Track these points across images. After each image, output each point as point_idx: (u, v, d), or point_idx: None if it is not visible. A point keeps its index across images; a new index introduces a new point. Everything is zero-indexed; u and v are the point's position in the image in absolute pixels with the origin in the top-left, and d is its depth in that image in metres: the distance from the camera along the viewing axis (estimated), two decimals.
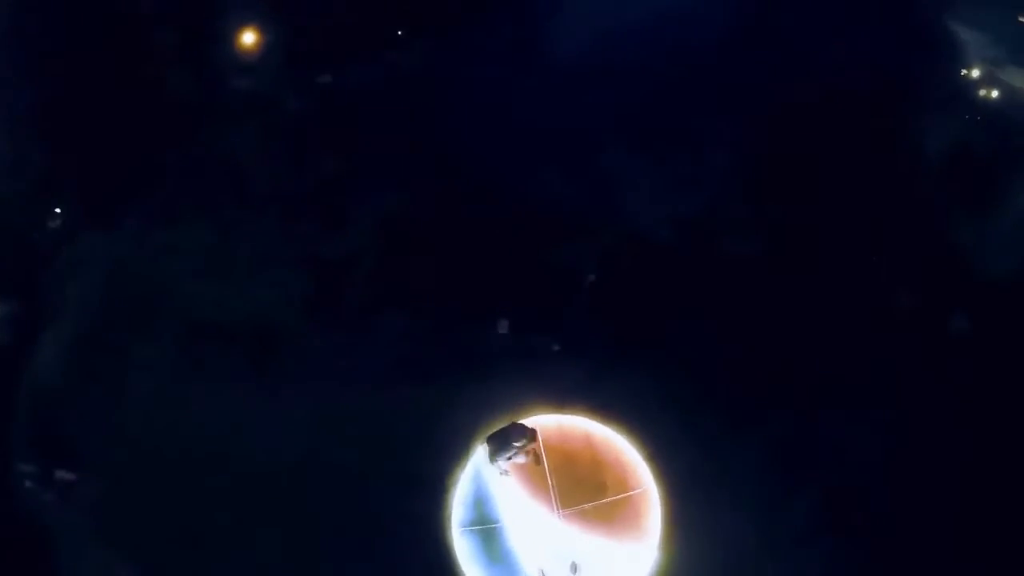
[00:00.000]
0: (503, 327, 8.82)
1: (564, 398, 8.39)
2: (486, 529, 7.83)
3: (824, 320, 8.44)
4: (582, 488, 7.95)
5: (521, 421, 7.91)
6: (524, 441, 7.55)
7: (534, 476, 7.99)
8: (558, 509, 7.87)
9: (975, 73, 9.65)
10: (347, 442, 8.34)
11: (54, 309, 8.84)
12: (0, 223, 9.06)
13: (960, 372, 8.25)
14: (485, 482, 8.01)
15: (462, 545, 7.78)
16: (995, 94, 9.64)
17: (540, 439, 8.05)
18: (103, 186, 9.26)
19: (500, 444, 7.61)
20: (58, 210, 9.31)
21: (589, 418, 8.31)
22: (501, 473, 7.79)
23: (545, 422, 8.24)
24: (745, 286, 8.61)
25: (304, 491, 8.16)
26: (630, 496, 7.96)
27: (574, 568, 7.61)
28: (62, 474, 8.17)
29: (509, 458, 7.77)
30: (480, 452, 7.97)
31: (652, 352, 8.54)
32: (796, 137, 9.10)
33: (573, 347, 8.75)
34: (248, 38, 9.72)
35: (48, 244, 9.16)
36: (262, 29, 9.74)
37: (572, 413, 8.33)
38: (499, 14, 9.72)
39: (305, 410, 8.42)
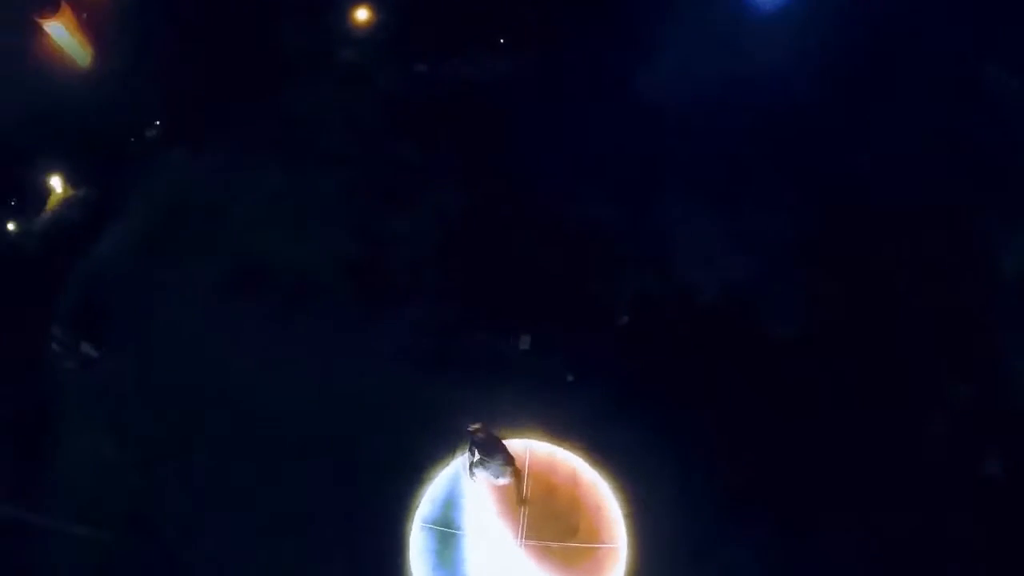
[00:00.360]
0: (525, 343, 8.74)
1: (564, 430, 8.17)
2: (446, 532, 7.65)
3: (848, 424, 7.86)
4: (553, 525, 7.66)
5: (509, 441, 7.72)
6: (476, 427, 7.29)
7: (510, 497, 7.77)
8: (522, 537, 7.60)
9: None
10: (342, 409, 8.44)
11: (125, 207, 9.58)
12: (106, 120, 9.98)
13: (984, 509, 7.41)
14: (460, 488, 7.86)
15: (417, 540, 7.63)
16: None
17: (527, 465, 7.85)
18: (200, 114, 10.03)
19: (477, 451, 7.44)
20: (158, 123, 10.16)
21: (583, 457, 8.03)
22: (471, 477, 7.63)
23: (538, 449, 8.04)
24: (776, 369, 8.18)
25: (292, 443, 8.30)
26: (598, 549, 7.58)
27: None
28: (87, 348, 8.77)
29: (498, 474, 7.58)
30: (463, 457, 7.84)
31: (665, 411, 8.20)
32: (869, 229, 8.66)
33: (587, 382, 8.54)
34: (362, 13, 10.37)
35: (139, 150, 10.00)
36: (377, 8, 10.38)
37: (567, 448, 8.08)
38: (601, 44, 9.91)
39: (315, 365, 8.63)
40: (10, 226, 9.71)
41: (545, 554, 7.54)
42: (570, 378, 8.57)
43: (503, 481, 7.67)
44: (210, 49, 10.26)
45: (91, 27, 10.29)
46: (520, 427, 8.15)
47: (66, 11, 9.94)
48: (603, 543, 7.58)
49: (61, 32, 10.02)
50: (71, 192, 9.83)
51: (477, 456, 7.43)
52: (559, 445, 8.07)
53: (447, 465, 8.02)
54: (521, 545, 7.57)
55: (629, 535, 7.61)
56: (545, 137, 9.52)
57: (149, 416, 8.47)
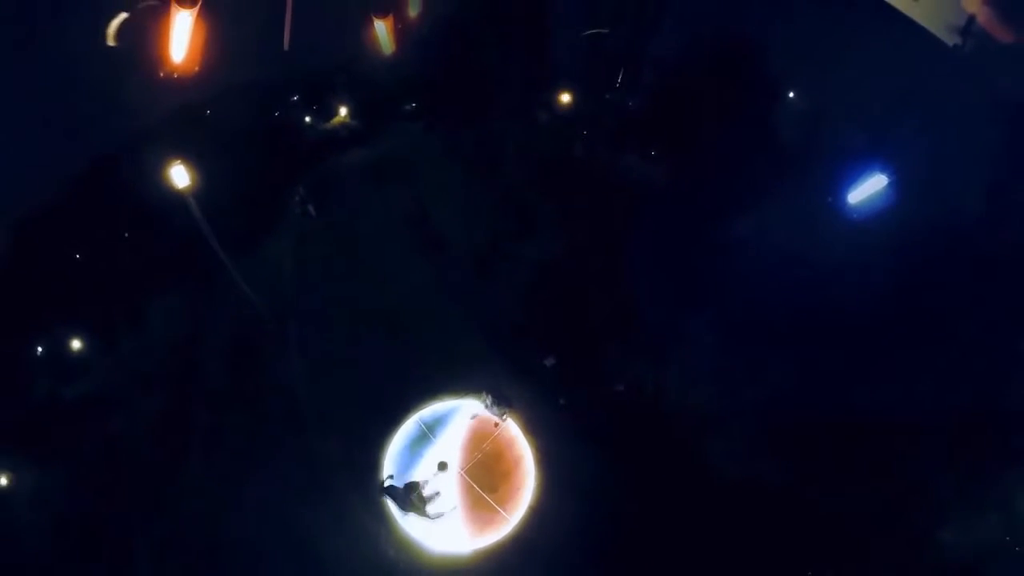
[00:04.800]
0: (550, 362, 11.80)
1: (534, 428, 11.20)
2: (426, 433, 11.17)
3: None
4: (484, 475, 10.86)
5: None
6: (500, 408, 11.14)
7: (478, 439, 11.03)
8: (464, 468, 10.88)
9: None
10: (430, 326, 12.17)
11: (369, 144, 14.36)
12: (386, 89, 14.62)
13: None
14: (457, 417, 11.18)
15: (408, 425, 11.22)
16: None
17: (504, 421, 11.17)
18: (441, 113, 14.49)
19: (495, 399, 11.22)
20: (414, 104, 14.92)
21: (533, 453, 11.02)
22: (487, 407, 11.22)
23: (512, 427, 11.22)
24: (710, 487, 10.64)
25: (387, 322, 12.24)
26: (497, 511, 10.59)
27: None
28: (311, 208, 13.56)
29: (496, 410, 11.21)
30: (482, 399, 11.21)
31: (603, 457, 10.95)
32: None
33: (567, 413, 11.41)
34: (566, 97, 14.24)
35: (394, 114, 14.75)
36: (583, 99, 14.24)
37: (528, 440, 11.11)
38: (720, 188, 12.69)
39: (424, 289, 12.57)
40: (307, 118, 15.12)
41: (465, 487, 10.76)
42: (562, 401, 11.50)
43: (494, 419, 11.11)
44: (466, 73, 14.68)
45: (400, 33, 15.32)
46: (512, 408, 11.36)
47: (390, 18, 15.05)
48: (502, 510, 10.57)
49: (382, 28, 15.08)
50: (348, 120, 14.98)
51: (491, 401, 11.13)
52: (526, 436, 11.16)
53: (465, 397, 11.32)
54: (459, 471, 10.84)
55: (522, 520, 10.54)
56: (649, 235, 12.52)
57: (318, 266, 13.16)
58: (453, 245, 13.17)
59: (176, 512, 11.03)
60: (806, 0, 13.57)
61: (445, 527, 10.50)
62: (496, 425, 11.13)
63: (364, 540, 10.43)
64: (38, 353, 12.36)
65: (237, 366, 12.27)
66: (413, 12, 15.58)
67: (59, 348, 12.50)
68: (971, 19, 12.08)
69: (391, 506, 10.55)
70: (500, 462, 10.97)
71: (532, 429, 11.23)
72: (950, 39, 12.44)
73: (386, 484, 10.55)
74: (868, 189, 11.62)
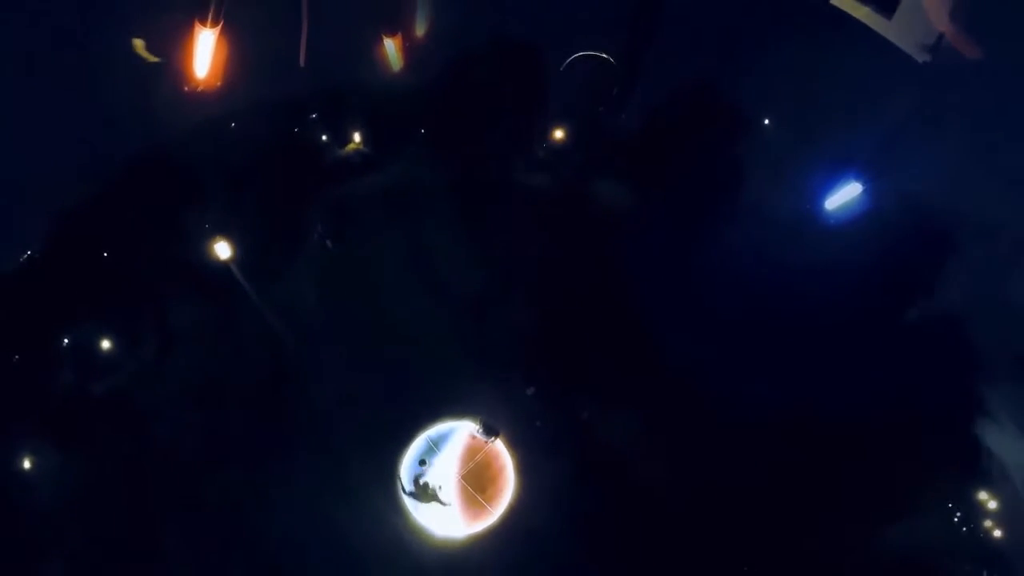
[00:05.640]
0: (531, 391, 14.72)
1: (520, 445, 14.30)
2: (432, 447, 14.31)
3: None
4: (476, 479, 14.26)
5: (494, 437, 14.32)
6: (488, 435, 14.14)
7: (472, 451, 14.22)
8: (461, 472, 14.14)
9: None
10: (436, 360, 14.79)
11: (380, 167, 15.96)
12: (394, 109, 16.16)
13: None
14: (459, 435, 14.27)
15: (419, 441, 14.34)
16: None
17: (493, 442, 14.26)
18: (438, 141, 16.11)
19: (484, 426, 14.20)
20: (423, 131, 16.42)
21: (514, 463, 14.23)
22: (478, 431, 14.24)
23: (499, 445, 14.43)
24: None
25: (400, 351, 14.76)
26: (485, 507, 14.00)
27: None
28: (328, 241, 15.70)
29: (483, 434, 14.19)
30: (475, 423, 14.23)
31: (569, 471, 14.08)
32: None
33: (544, 435, 14.44)
34: (559, 133, 16.21)
35: (406, 139, 16.39)
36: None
37: (510, 453, 14.31)
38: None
39: (425, 310, 15.04)
40: (323, 137, 16.33)
41: (460, 487, 14.18)
42: (538, 423, 14.53)
43: (482, 439, 14.20)
44: (468, 95, 16.02)
45: (406, 51, 16.35)
46: (498, 435, 14.37)
47: (398, 37, 16.02)
48: (489, 505, 14.03)
49: (391, 46, 16.17)
50: (360, 146, 16.28)
51: (482, 427, 14.08)
52: (509, 450, 14.39)
53: (463, 419, 14.31)
54: (459, 474, 14.13)
55: (504, 513, 13.96)
56: (630, 259, 14.93)
57: (336, 297, 15.42)
58: (454, 282, 15.40)
59: (206, 506, 13.18)
60: (789, 19, 14.89)
61: (446, 513, 13.87)
62: (486, 442, 14.19)
63: (383, 527, 13.69)
64: (66, 346, 14.00)
65: (264, 384, 14.37)
66: (420, 32, 16.52)
67: (90, 347, 14.06)
68: (940, 37, 13.76)
69: (409, 498, 13.77)
70: (489, 469, 14.24)
71: (514, 444, 14.40)
72: (921, 56, 14.03)
73: (414, 480, 13.63)
74: (844, 196, 13.19)
